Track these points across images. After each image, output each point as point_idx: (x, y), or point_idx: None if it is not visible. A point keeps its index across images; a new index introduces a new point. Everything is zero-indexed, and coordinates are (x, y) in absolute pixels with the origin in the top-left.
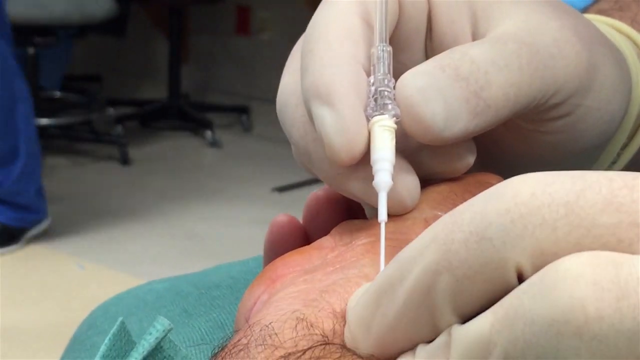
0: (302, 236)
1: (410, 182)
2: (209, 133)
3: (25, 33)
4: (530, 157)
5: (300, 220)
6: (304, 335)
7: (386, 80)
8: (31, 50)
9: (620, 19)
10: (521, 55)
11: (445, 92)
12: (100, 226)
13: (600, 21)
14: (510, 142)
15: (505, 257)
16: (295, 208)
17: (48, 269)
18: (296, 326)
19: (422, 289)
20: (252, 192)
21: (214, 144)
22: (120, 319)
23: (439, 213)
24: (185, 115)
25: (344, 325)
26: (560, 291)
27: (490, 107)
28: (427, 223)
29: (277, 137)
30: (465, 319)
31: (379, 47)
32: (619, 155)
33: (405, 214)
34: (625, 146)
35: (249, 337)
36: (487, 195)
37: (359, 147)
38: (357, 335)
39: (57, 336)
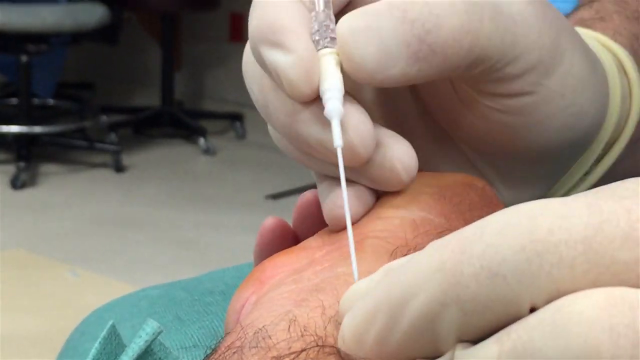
0: (292, 239)
1: (404, 152)
2: (202, 140)
3: (18, 41)
4: (493, 143)
5: (290, 224)
6: (298, 337)
7: (326, 15)
8: (24, 58)
9: (603, 30)
10: (484, 8)
11: (383, 34)
12: (94, 233)
13: (582, 34)
14: (470, 124)
15: (519, 295)
16: (288, 215)
17: (41, 276)
18: (289, 328)
19: (428, 319)
20: (245, 199)
21: (208, 151)
22: (111, 322)
23: (428, 215)
24: (178, 122)
25: (335, 326)
26: (575, 335)
27: (437, 52)
28: (415, 224)
29: (271, 144)
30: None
31: None
32: (592, 167)
33: (391, 212)
34: (601, 158)
35: (242, 340)
36: (499, 226)
37: (317, 77)
38: (351, 347)
39: (51, 343)
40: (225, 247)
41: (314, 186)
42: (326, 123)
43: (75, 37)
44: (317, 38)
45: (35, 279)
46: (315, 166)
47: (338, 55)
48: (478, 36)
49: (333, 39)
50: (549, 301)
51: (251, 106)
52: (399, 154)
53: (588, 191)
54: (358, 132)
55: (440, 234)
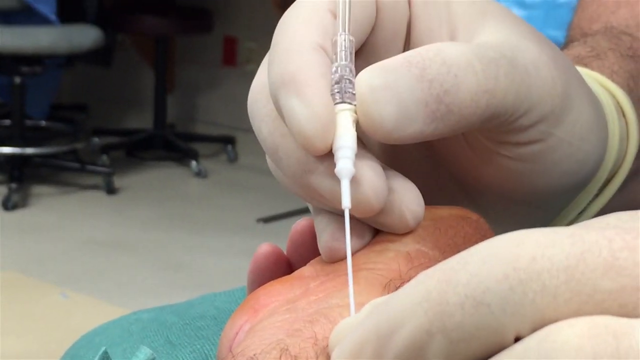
0: (286, 266)
1: (412, 199)
2: (194, 163)
3: (12, 62)
4: (497, 188)
5: (284, 251)
6: None
7: (348, 69)
8: (18, 80)
9: (600, 69)
10: (500, 65)
11: (402, 93)
12: (85, 255)
13: (582, 73)
14: (478, 170)
15: (504, 324)
16: (280, 238)
17: (32, 298)
18: (280, 357)
19: (414, 349)
20: (237, 222)
21: (200, 174)
22: (103, 348)
23: (423, 248)
24: (170, 145)
25: (326, 358)
26: None
27: (453, 112)
28: (410, 257)
29: (263, 167)
30: None
31: (340, 36)
32: (588, 204)
33: (386, 245)
34: (595, 197)
35: None
36: (483, 255)
37: (332, 133)
38: None
39: None
40: (216, 270)
41: (305, 210)
42: (338, 178)
43: (70, 59)
44: (336, 91)
45: (26, 301)
46: (313, 203)
47: (355, 112)
48: (495, 94)
49: (352, 94)
50: (533, 329)
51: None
52: (408, 201)
53: (575, 225)
54: (373, 187)
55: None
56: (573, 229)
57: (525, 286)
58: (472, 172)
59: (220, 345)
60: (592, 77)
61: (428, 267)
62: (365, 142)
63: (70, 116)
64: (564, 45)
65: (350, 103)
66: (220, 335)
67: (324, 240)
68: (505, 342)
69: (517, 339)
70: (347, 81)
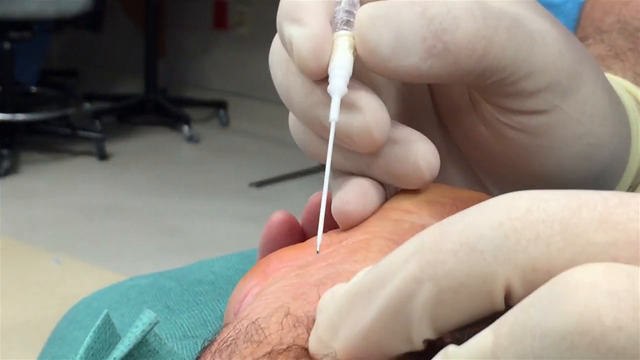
0: (300, 235)
1: (428, 150)
2: (186, 128)
3: (1, 28)
4: (509, 167)
5: (280, 214)
6: (289, 329)
7: (351, 2)
8: (7, 46)
9: (623, 71)
10: (501, 19)
11: (401, 25)
12: (78, 221)
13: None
14: (485, 141)
15: (495, 271)
16: (273, 202)
17: (25, 263)
18: (282, 321)
19: (402, 297)
20: (230, 187)
21: (192, 138)
22: (105, 311)
23: None
24: (162, 110)
25: None
26: (574, 301)
27: (450, 51)
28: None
29: (255, 132)
30: (441, 335)
31: None
32: None
33: (402, 216)
34: None
35: (237, 331)
36: (480, 207)
37: (327, 54)
38: (324, 339)
39: (34, 332)
40: (210, 235)
41: (297, 174)
42: (343, 105)
43: (59, 24)
44: (337, 21)
45: (20, 267)
46: (323, 158)
47: (354, 38)
48: (492, 43)
49: (350, 22)
50: (525, 278)
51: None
52: (424, 151)
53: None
54: (374, 115)
55: None
56: (571, 190)
57: (519, 234)
58: (482, 148)
59: (228, 308)
60: (614, 80)
61: None
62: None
63: (60, 82)
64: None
65: (350, 30)
66: (218, 300)
67: (336, 205)
68: (495, 292)
69: (507, 291)
70: (348, 13)
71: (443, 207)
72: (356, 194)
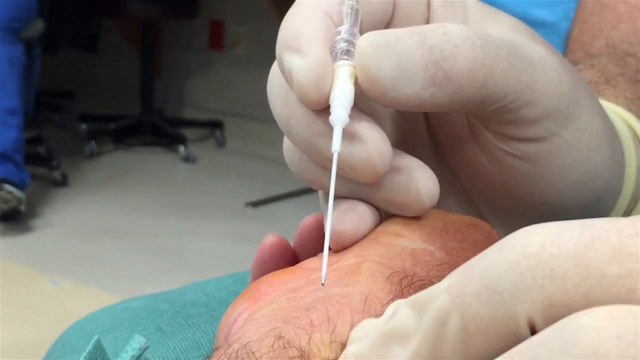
0: (291, 258)
1: (429, 178)
2: (182, 148)
3: None
4: (506, 195)
5: (276, 236)
6: (280, 352)
7: (351, 32)
8: None
9: (615, 97)
10: (501, 48)
11: (402, 54)
12: (74, 242)
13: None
14: (484, 168)
15: (516, 310)
16: (268, 223)
17: (20, 284)
18: (273, 344)
19: (434, 339)
20: (225, 207)
21: (188, 159)
22: (96, 336)
23: (430, 247)
24: (158, 130)
25: (319, 338)
26: (583, 345)
27: (451, 80)
28: (416, 254)
29: (251, 152)
30: None
31: (347, 3)
32: None
33: (393, 240)
34: None
35: (228, 356)
36: (498, 246)
37: (327, 84)
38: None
39: (29, 353)
40: (206, 255)
41: (293, 194)
42: (345, 136)
43: (52, 45)
44: (337, 51)
45: (15, 288)
46: (323, 187)
47: (354, 68)
48: (492, 71)
49: (350, 52)
50: (545, 315)
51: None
52: (425, 179)
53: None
54: (377, 146)
55: (439, 266)
56: (586, 220)
57: (534, 272)
58: (481, 176)
59: (219, 332)
60: (609, 107)
61: (432, 266)
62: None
63: (56, 103)
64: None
65: (350, 60)
66: (211, 323)
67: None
68: (520, 330)
69: (532, 327)
70: (348, 43)
71: (434, 231)
72: (352, 216)
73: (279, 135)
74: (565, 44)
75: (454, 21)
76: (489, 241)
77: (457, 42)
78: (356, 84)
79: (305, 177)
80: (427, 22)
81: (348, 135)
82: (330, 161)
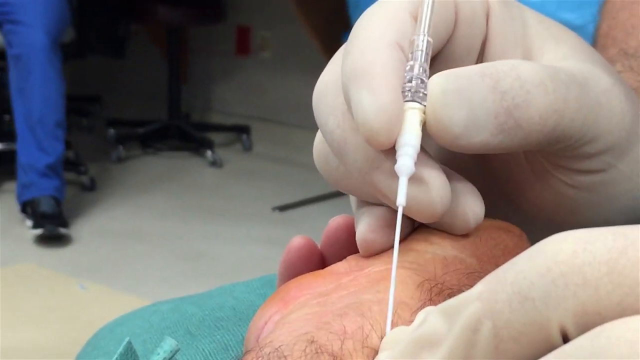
0: (319, 260)
1: (475, 202)
2: (209, 153)
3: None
4: (549, 214)
5: (303, 238)
6: (312, 357)
7: (422, 69)
8: None
9: None
10: (570, 88)
11: (474, 101)
12: (102, 246)
13: None
14: (537, 194)
15: (548, 317)
16: (296, 227)
17: (50, 289)
18: (305, 348)
19: (465, 345)
20: (253, 211)
21: (215, 163)
22: (127, 339)
23: (461, 255)
24: (185, 135)
25: (351, 345)
26: (616, 357)
27: (522, 127)
28: (446, 261)
29: (278, 156)
30: None
31: (419, 37)
32: None
33: (424, 247)
34: None
35: (260, 358)
36: (530, 253)
37: (397, 129)
38: None
39: (59, 357)
40: (233, 259)
41: (321, 198)
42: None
43: (80, 51)
44: (407, 89)
45: (45, 293)
46: (374, 200)
47: (424, 113)
48: (563, 116)
49: (424, 94)
50: (577, 322)
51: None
52: (472, 203)
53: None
54: (440, 191)
55: (470, 274)
56: (617, 227)
57: (567, 279)
58: (526, 193)
59: (248, 335)
60: None
61: (463, 273)
62: (425, 147)
63: (84, 108)
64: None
65: (420, 103)
66: (239, 325)
67: (361, 232)
68: (552, 337)
69: (564, 334)
70: (420, 81)
71: (465, 238)
72: (384, 225)
73: (306, 139)
74: (594, 40)
75: (513, 38)
76: (519, 246)
77: (530, 89)
78: (424, 126)
79: (340, 185)
80: (486, 38)
81: (411, 178)
82: (385, 196)
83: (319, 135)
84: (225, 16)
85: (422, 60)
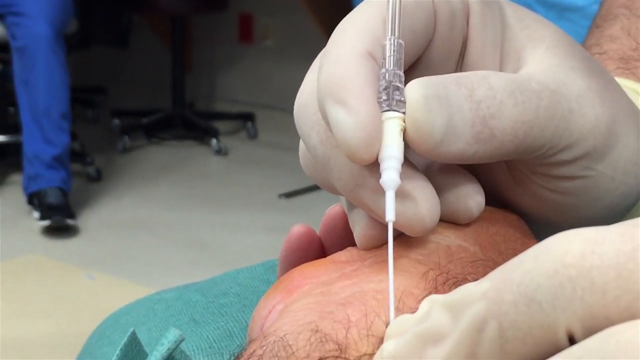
0: (318, 247)
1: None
2: (214, 141)
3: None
4: (540, 217)
5: (317, 232)
6: (317, 346)
7: (396, 75)
8: None
9: None
10: (541, 98)
11: (452, 109)
12: (109, 236)
13: (626, 87)
14: (521, 199)
15: (555, 320)
16: (302, 214)
17: (58, 280)
18: (310, 337)
19: (470, 344)
20: (258, 198)
21: (220, 151)
22: (132, 329)
23: (464, 243)
24: (190, 124)
25: (356, 333)
26: None
27: (496, 137)
28: (450, 250)
29: (283, 143)
30: None
31: (389, 40)
32: None
33: (428, 236)
34: None
35: (264, 348)
36: (536, 253)
37: (377, 144)
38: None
39: (68, 347)
40: (239, 247)
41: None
42: (395, 195)
43: (83, 41)
44: (383, 98)
45: (52, 283)
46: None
47: (403, 121)
48: (532, 127)
49: (400, 102)
50: (584, 326)
51: (262, 106)
52: (473, 192)
53: (626, 221)
54: (428, 204)
55: (474, 262)
56: (625, 226)
57: (575, 282)
58: (510, 198)
59: (252, 324)
60: (633, 89)
61: (467, 262)
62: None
63: (89, 99)
64: (600, 22)
65: (397, 111)
66: (243, 312)
67: (359, 230)
68: (558, 339)
69: (570, 336)
70: (394, 88)
71: (467, 226)
72: (381, 225)
73: None
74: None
75: (492, 43)
76: (519, 231)
77: (502, 99)
78: (404, 135)
79: (333, 191)
80: (466, 40)
81: (398, 193)
82: (372, 212)
83: (302, 145)
84: (227, 4)
85: (393, 65)
